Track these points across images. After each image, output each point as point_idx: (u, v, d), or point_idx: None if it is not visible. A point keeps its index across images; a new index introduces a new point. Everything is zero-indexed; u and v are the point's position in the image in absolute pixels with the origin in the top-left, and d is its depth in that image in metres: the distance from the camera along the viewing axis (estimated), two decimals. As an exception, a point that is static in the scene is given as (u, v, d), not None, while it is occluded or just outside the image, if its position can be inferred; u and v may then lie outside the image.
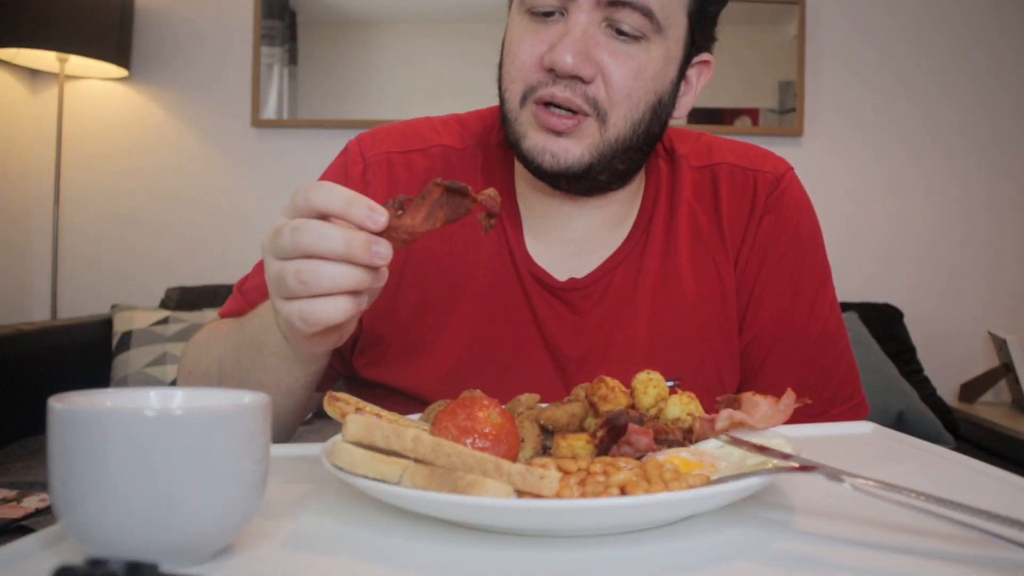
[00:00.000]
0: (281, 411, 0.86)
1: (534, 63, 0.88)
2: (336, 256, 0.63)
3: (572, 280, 0.97)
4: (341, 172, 1.01)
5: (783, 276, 0.99)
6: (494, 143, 1.02)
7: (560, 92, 0.86)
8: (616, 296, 0.97)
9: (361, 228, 0.63)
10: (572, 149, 0.88)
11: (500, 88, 0.93)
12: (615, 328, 0.96)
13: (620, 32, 0.86)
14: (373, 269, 0.65)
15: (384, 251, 0.64)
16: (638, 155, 0.94)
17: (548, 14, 0.88)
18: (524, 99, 0.89)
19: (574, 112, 0.87)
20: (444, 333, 0.97)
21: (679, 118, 0.97)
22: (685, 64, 0.94)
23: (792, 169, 1.03)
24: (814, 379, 0.98)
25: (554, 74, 0.86)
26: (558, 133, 0.87)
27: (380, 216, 0.64)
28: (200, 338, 0.97)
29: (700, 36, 0.93)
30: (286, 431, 0.93)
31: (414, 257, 0.98)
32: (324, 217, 0.65)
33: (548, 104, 0.87)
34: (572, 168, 0.88)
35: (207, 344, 0.94)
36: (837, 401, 0.99)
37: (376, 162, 1.00)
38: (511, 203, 1.00)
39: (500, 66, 0.93)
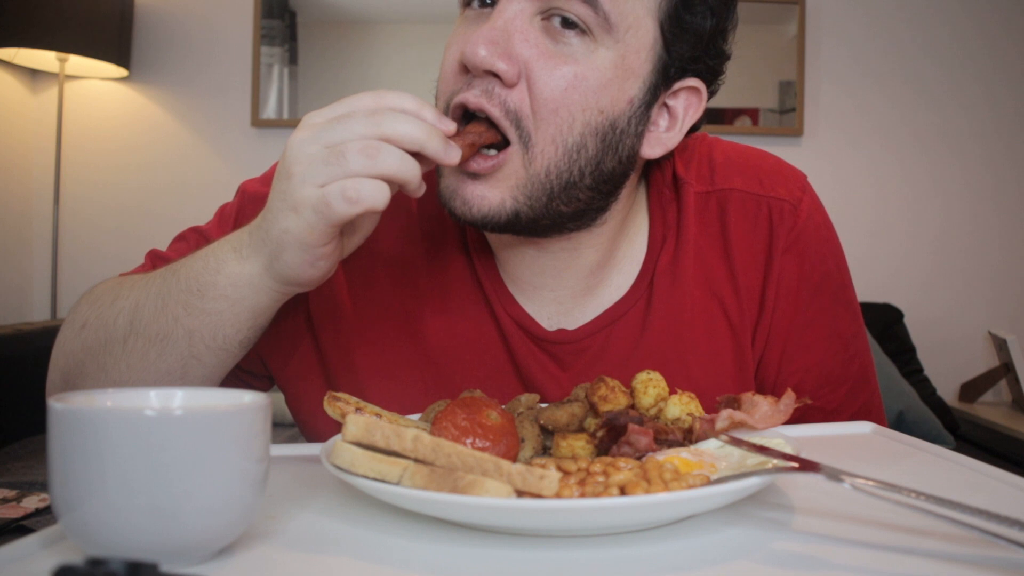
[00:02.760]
0: (206, 371, 0.76)
1: (455, 69, 0.75)
2: (413, 143, 0.64)
3: (561, 332, 0.85)
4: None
5: (818, 321, 0.88)
6: None
7: (473, 98, 0.72)
8: (615, 358, 0.84)
9: None
10: (488, 195, 0.73)
11: None
12: None
13: (563, 26, 0.72)
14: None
15: (455, 153, 0.66)
16: (590, 195, 0.77)
17: (485, 4, 0.75)
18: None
19: (494, 147, 0.73)
20: (408, 391, 0.85)
21: (653, 157, 0.81)
22: (658, 87, 0.77)
23: (807, 187, 0.90)
24: (856, 419, 0.88)
25: (470, 76, 0.73)
26: (473, 175, 0.74)
27: (450, 124, 0.67)
28: (101, 290, 0.84)
29: (678, 53, 0.77)
30: None
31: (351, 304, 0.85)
32: None
33: (470, 117, 0.74)
34: (489, 217, 0.74)
35: (114, 293, 0.81)
36: None
37: None
38: (480, 235, 0.85)
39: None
